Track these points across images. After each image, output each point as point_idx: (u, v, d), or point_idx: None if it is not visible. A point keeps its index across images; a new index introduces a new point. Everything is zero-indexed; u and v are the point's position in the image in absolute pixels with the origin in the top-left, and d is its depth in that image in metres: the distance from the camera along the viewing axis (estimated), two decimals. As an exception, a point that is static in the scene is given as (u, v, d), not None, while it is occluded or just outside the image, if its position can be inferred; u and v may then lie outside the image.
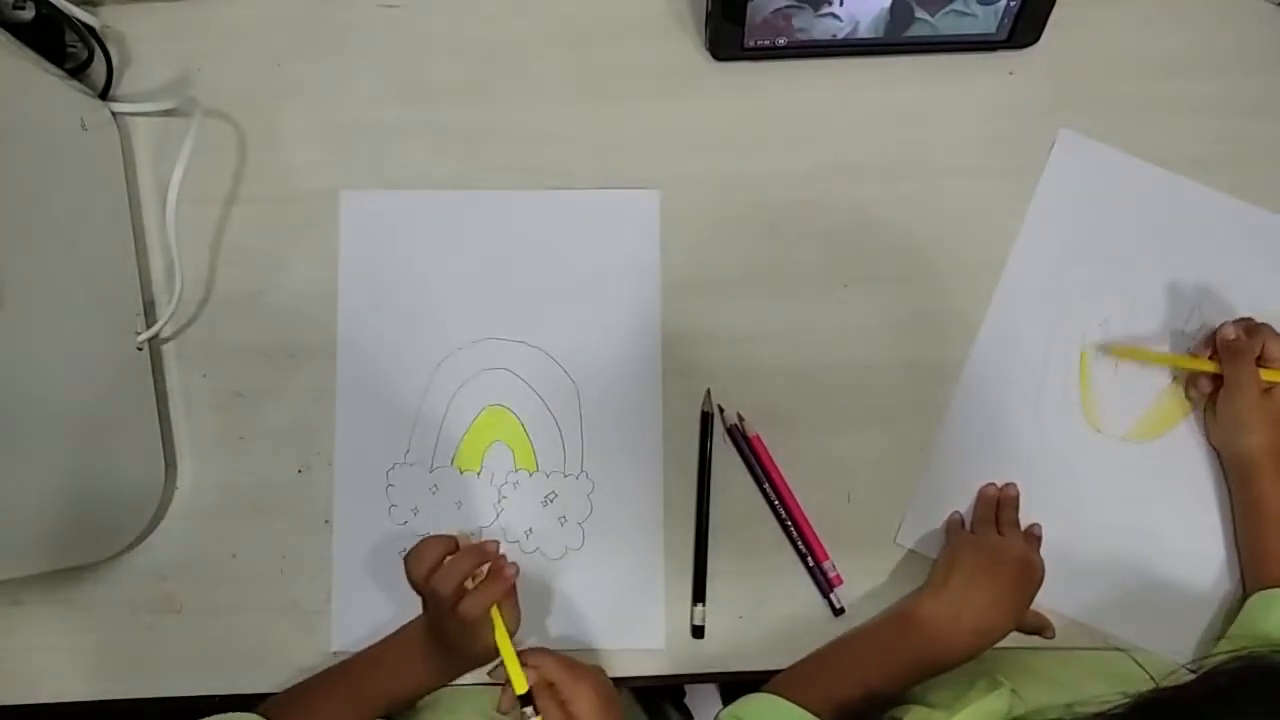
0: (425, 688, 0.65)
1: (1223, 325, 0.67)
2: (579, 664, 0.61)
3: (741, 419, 0.69)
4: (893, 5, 0.67)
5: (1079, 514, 0.69)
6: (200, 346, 0.71)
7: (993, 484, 0.69)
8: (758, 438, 0.69)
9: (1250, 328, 0.66)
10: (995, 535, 0.66)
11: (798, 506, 0.69)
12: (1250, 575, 0.67)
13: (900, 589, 0.68)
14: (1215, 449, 0.69)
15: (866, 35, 0.69)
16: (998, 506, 0.68)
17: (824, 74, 0.72)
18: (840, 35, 0.69)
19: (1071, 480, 0.69)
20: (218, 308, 0.71)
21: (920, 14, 0.68)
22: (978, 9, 0.67)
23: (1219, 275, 0.71)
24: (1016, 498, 0.69)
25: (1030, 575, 0.64)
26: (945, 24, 0.68)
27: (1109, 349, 0.70)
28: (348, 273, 0.71)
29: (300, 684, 0.64)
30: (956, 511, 0.70)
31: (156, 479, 0.68)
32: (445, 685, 0.66)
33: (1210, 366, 0.67)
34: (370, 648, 0.65)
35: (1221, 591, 0.68)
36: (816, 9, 0.67)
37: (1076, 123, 0.72)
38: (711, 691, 1.06)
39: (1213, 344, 0.67)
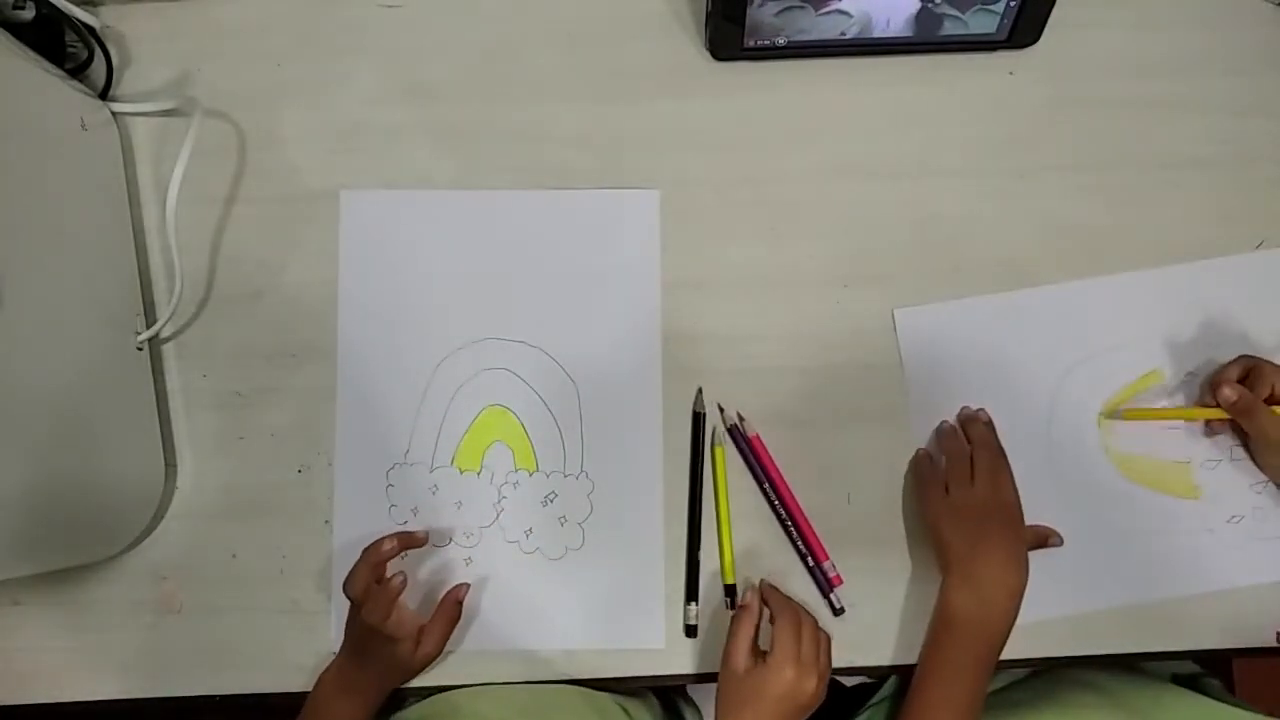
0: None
1: (1220, 388, 0.65)
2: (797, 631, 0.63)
3: (741, 419, 0.69)
4: (921, 6, 0.67)
5: (1089, 511, 0.69)
6: (200, 346, 0.71)
7: (948, 424, 0.69)
8: (757, 438, 0.69)
9: (1248, 369, 0.65)
10: (967, 492, 0.65)
11: (798, 506, 0.69)
12: None
13: (900, 589, 0.68)
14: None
15: (889, 34, 0.69)
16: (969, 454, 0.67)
17: (824, 74, 0.72)
18: (849, 33, 0.69)
19: (1080, 476, 0.69)
20: (218, 308, 0.71)
21: (951, 12, 0.68)
22: (993, 6, 0.68)
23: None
24: (985, 434, 0.67)
25: (1012, 514, 0.64)
26: (976, 22, 0.69)
27: (1122, 414, 0.69)
28: (348, 273, 0.71)
29: None
30: (923, 452, 0.69)
31: (156, 479, 0.68)
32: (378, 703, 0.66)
33: (1221, 414, 0.66)
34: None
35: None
36: (818, 8, 0.67)
37: (1077, 122, 0.72)
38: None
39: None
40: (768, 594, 0.66)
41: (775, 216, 0.72)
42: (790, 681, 0.60)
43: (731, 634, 0.64)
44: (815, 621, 0.64)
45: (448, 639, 0.66)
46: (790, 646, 0.61)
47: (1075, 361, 0.70)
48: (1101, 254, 0.71)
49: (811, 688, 0.61)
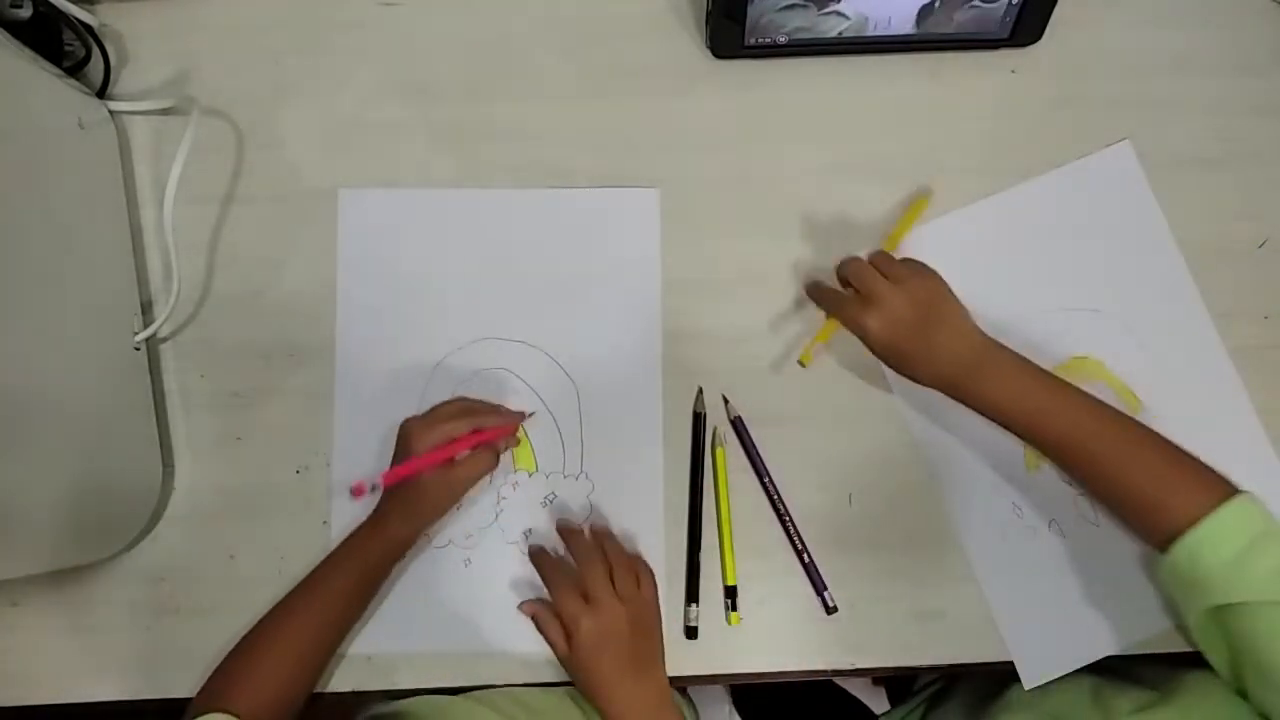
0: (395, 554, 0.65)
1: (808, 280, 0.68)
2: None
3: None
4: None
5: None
6: (198, 346, 0.71)
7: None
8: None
9: (849, 271, 0.64)
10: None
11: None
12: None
13: (900, 590, 0.68)
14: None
15: (891, 33, 0.69)
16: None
17: (825, 72, 0.72)
18: (846, 33, 0.69)
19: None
20: (216, 307, 0.71)
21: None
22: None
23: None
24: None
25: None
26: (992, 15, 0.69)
27: (800, 359, 0.69)
28: (346, 272, 0.71)
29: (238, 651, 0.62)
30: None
31: (154, 480, 0.68)
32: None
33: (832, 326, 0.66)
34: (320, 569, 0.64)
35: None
36: (820, 7, 0.66)
37: (1079, 120, 0.72)
38: (719, 689, 1.06)
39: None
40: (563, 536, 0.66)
41: (776, 215, 0.72)
42: (591, 635, 0.60)
43: (541, 629, 0.63)
44: (593, 547, 0.64)
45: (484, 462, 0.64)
46: (567, 604, 0.61)
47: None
48: (1103, 253, 0.71)
49: (610, 617, 0.60)
